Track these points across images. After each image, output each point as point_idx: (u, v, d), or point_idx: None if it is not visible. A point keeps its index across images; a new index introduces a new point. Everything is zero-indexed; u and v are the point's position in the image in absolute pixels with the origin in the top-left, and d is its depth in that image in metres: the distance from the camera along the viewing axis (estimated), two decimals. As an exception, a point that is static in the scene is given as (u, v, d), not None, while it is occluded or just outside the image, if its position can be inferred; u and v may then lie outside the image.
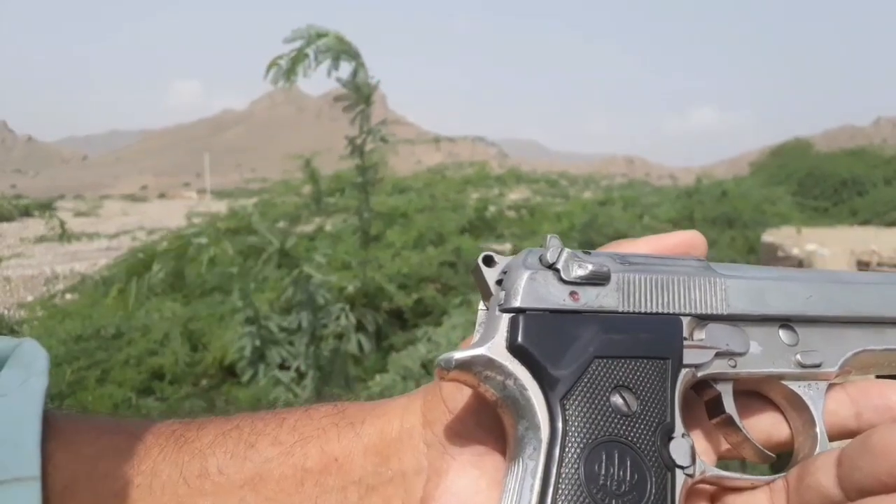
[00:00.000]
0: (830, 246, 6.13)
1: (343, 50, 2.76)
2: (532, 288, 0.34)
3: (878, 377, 0.41)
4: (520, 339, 0.33)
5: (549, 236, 0.37)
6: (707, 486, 0.37)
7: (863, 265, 6.01)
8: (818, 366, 0.38)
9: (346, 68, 2.76)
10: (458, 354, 0.33)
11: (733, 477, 0.36)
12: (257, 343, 3.12)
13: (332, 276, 2.86)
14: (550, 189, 6.04)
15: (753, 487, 0.37)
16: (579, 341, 0.34)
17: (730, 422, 0.37)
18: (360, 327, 3.73)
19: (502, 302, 0.35)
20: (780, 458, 0.41)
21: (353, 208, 4.81)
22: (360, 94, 2.88)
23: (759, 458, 0.39)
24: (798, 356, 0.38)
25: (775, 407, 0.40)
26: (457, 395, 0.35)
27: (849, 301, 0.40)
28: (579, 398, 0.32)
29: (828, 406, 0.39)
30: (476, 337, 0.36)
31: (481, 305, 0.38)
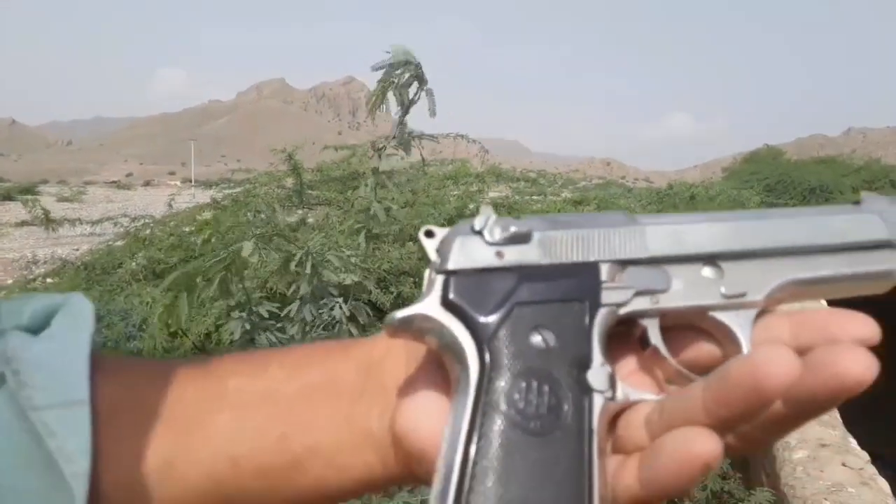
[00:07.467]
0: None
1: (418, 76, 2.84)
2: (462, 251, 0.40)
3: (829, 304, 0.42)
4: (451, 295, 0.39)
5: (481, 206, 0.43)
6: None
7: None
8: (742, 295, 0.41)
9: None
10: (400, 313, 0.39)
11: (646, 398, 0.39)
12: (247, 327, 3.15)
13: (342, 276, 2.88)
14: (530, 188, 6.15)
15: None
16: (503, 292, 0.39)
17: (657, 353, 0.40)
18: (350, 318, 3.80)
19: (437, 266, 0.40)
20: None
21: (334, 201, 4.87)
22: (403, 107, 2.99)
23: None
24: (722, 288, 0.41)
25: (711, 337, 0.42)
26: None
27: (775, 233, 0.42)
28: (502, 339, 0.38)
29: (768, 332, 0.40)
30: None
31: (426, 272, 0.43)
